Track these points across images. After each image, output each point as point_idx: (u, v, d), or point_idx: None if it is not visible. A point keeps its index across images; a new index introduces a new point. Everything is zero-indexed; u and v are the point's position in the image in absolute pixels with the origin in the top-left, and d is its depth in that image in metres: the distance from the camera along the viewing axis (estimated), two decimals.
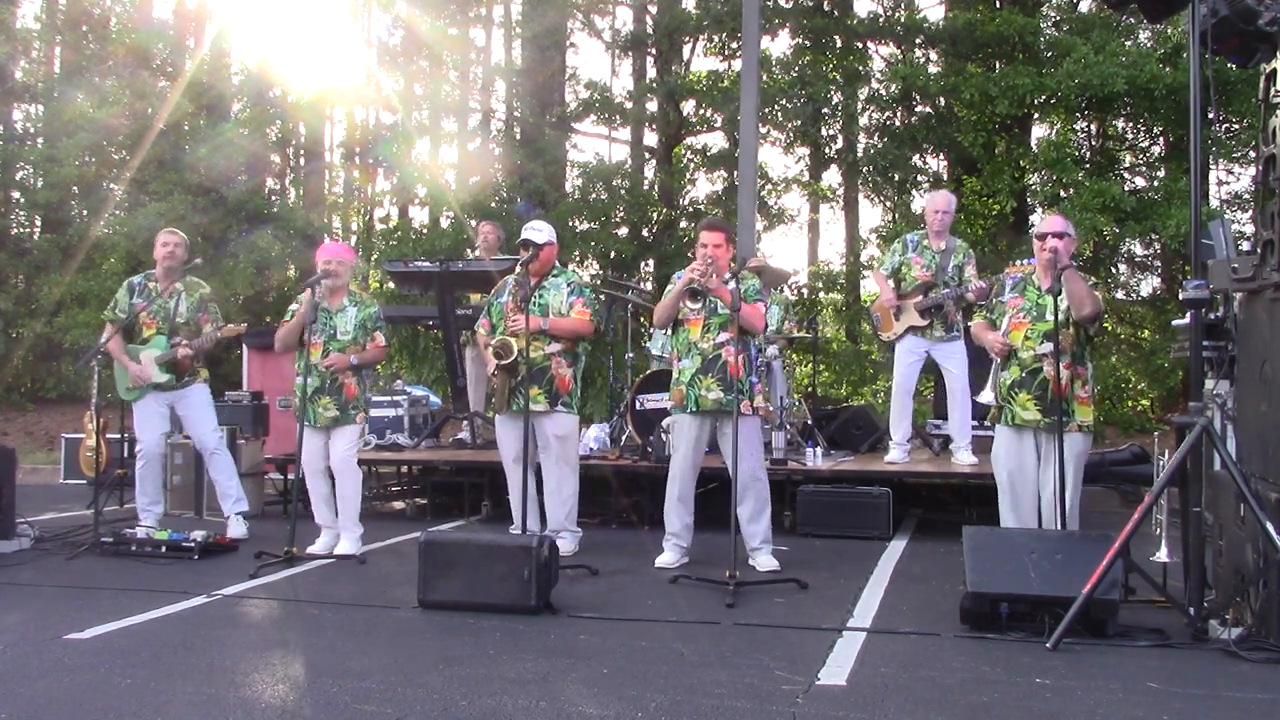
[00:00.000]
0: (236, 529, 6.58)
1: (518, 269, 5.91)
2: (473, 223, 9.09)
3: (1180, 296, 4.43)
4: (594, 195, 13.86)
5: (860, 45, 13.54)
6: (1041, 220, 5.73)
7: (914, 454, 7.42)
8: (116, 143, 14.09)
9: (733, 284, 5.32)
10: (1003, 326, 5.30)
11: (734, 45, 13.47)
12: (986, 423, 5.76)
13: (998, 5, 12.56)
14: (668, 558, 5.67)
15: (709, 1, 13.60)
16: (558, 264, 6.10)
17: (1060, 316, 5.03)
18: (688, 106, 14.25)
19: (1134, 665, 3.82)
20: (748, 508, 5.47)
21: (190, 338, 6.50)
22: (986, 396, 5.46)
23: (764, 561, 5.56)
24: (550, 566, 4.65)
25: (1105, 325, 5.42)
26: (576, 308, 5.88)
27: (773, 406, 7.43)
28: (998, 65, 12.07)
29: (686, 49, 14.74)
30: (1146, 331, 12.21)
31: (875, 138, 13.32)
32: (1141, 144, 13.38)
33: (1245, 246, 5.70)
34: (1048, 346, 5.09)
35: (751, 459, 5.48)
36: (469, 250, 11.20)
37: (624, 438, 7.72)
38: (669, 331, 5.99)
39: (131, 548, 5.95)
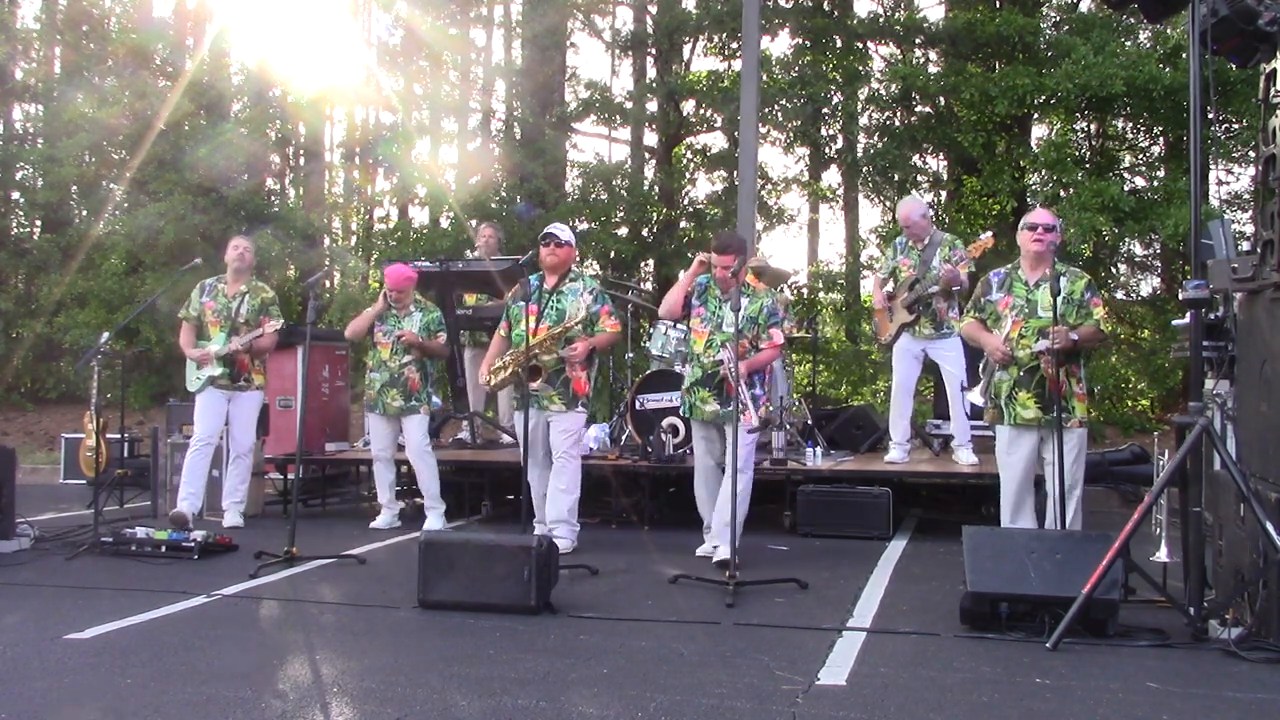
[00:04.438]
0: (233, 518, 7.06)
1: (523, 264, 6.05)
2: (473, 223, 9.10)
3: (1180, 296, 4.43)
4: (594, 195, 13.85)
5: (860, 45, 13.52)
6: (1028, 213, 5.73)
7: (914, 454, 7.42)
8: (116, 143, 14.07)
9: (744, 303, 5.58)
10: (1004, 330, 5.28)
11: (734, 45, 13.45)
12: (984, 422, 5.77)
13: (998, 5, 12.55)
14: (707, 547, 5.91)
15: (709, 1, 13.59)
16: (574, 268, 6.25)
17: (1048, 315, 5.03)
18: (688, 106, 14.24)
19: (1134, 665, 3.82)
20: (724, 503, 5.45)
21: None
22: (976, 397, 5.47)
23: (717, 549, 5.73)
24: (550, 566, 4.66)
25: (1105, 327, 5.39)
26: (604, 317, 6.09)
27: (772, 406, 7.45)
28: (998, 65, 12.06)
29: (686, 49, 14.72)
30: (1146, 331, 12.20)
31: (875, 138, 13.31)
32: (1141, 144, 13.38)
33: (1245, 246, 5.70)
34: (1043, 343, 5.10)
35: (742, 463, 5.37)
36: (469, 250, 11.20)
37: (624, 438, 7.73)
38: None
39: (131, 548, 5.95)
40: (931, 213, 7.31)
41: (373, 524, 7.05)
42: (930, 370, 7.49)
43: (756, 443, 6.06)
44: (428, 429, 7.05)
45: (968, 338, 5.67)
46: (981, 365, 5.51)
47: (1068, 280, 5.24)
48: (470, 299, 8.45)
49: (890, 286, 7.16)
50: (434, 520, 6.90)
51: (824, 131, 13.62)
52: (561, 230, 6.15)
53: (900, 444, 7.19)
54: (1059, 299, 5.04)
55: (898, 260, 7.14)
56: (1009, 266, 5.46)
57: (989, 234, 6.85)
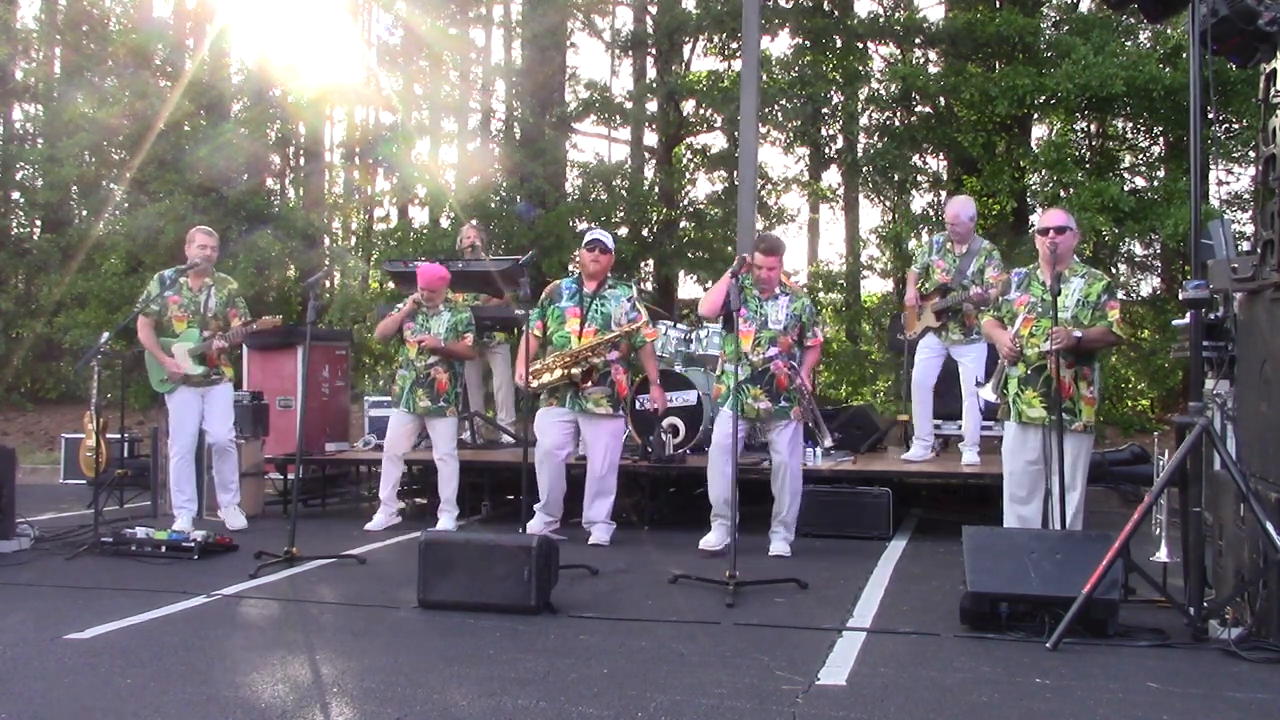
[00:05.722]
0: (236, 519, 6.88)
1: (523, 264, 6.15)
2: (473, 223, 9.10)
3: (1180, 296, 4.43)
4: (594, 195, 13.85)
5: (860, 45, 13.51)
6: (1042, 215, 5.76)
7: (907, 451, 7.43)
8: (116, 143, 14.05)
9: (785, 300, 5.92)
10: (1016, 327, 5.30)
11: (734, 45, 13.43)
12: (997, 418, 5.78)
13: (998, 5, 12.55)
14: (711, 539, 5.99)
15: (709, 1, 13.59)
16: (610, 273, 6.44)
17: (1064, 315, 5.03)
18: (688, 106, 14.23)
19: (1134, 665, 3.82)
20: (783, 498, 5.99)
21: (218, 331, 6.77)
22: (988, 393, 5.49)
23: (777, 547, 5.97)
24: (550, 566, 4.66)
25: (1118, 331, 5.35)
26: (643, 327, 6.35)
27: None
28: (998, 65, 12.06)
29: (686, 49, 14.71)
30: (1146, 331, 12.20)
31: (875, 138, 13.30)
32: (1141, 144, 13.38)
33: (1245, 246, 5.70)
34: (1049, 343, 5.09)
35: (795, 458, 6.02)
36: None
37: (624, 437, 7.72)
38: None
39: (131, 548, 5.94)
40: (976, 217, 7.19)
41: (368, 525, 6.98)
42: (945, 370, 7.44)
43: (802, 449, 6.30)
44: (455, 433, 7.02)
45: (986, 336, 5.82)
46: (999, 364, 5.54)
47: (1085, 281, 5.23)
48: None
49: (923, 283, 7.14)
50: (446, 522, 6.87)
51: (824, 131, 13.61)
52: (606, 237, 6.39)
53: (922, 439, 7.21)
54: (1063, 297, 5.04)
55: (932, 259, 7.08)
56: (1031, 266, 5.48)
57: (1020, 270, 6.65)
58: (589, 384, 6.15)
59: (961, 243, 6.95)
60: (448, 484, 6.93)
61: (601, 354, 6.19)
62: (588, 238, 6.39)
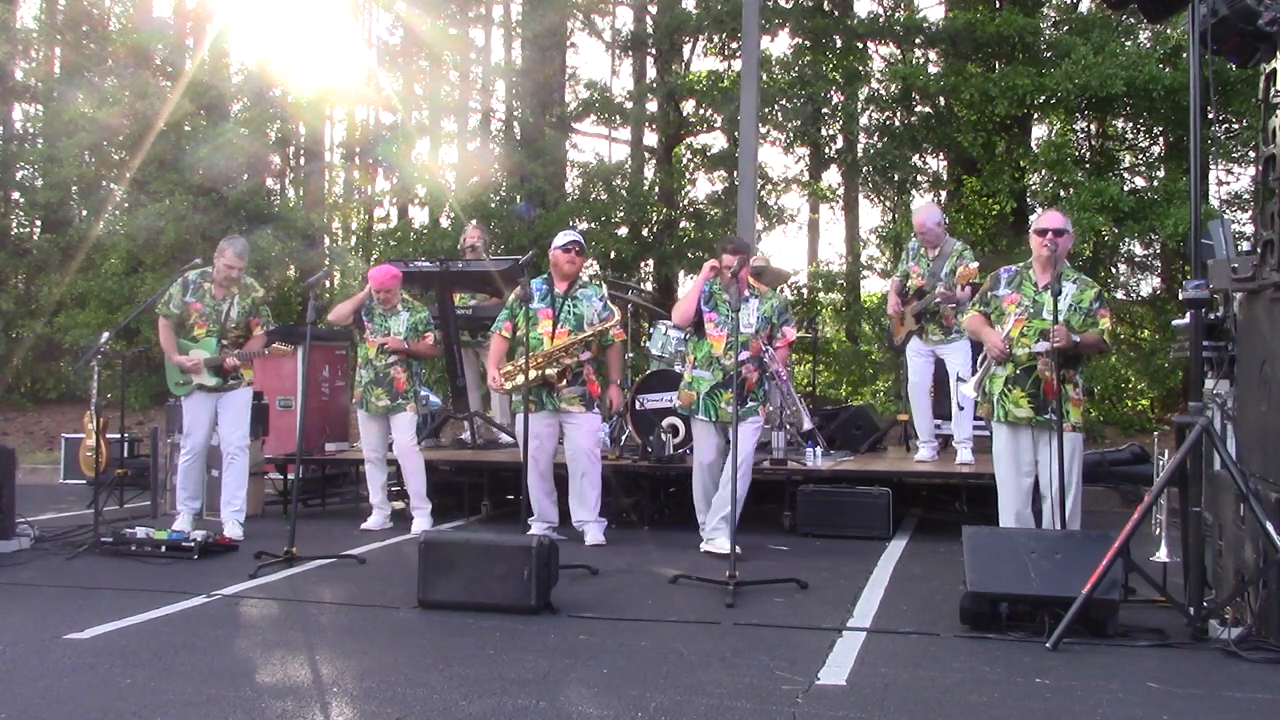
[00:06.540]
0: (233, 530, 6.59)
1: (523, 264, 6.20)
2: (472, 223, 9.10)
3: (1180, 296, 4.43)
4: (594, 195, 13.84)
5: (860, 45, 13.52)
6: (1039, 215, 5.75)
7: (914, 454, 7.44)
8: (116, 143, 14.05)
9: (754, 303, 5.86)
10: (1006, 327, 5.28)
11: (734, 45, 13.45)
12: (979, 418, 5.80)
13: (998, 5, 12.55)
14: (717, 543, 5.93)
15: (709, 1, 13.59)
16: (581, 273, 6.47)
17: (1057, 317, 5.03)
18: (688, 106, 14.24)
19: (1134, 665, 3.82)
20: (725, 492, 5.76)
21: (238, 341, 6.63)
22: (969, 390, 5.48)
23: (718, 543, 5.80)
24: (550, 566, 4.66)
25: (1108, 339, 5.36)
26: (613, 325, 6.35)
27: (772, 406, 7.46)
28: (998, 65, 12.07)
29: (686, 49, 14.72)
30: (1146, 331, 12.19)
31: (875, 138, 13.31)
32: (1141, 144, 13.38)
33: (1245, 246, 5.70)
34: (1043, 345, 5.09)
35: (748, 453, 5.84)
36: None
37: (624, 438, 7.73)
38: (687, 336, 6.26)
39: (131, 548, 5.94)
40: (946, 220, 7.28)
41: (363, 525, 7.03)
42: (939, 370, 7.48)
43: (757, 442, 6.18)
44: (417, 428, 7.02)
45: (970, 332, 5.68)
46: (979, 359, 5.52)
47: (1076, 287, 5.23)
48: (458, 298, 8.40)
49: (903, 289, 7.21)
50: (421, 521, 6.87)
51: (824, 131, 13.61)
52: (581, 238, 6.50)
53: (928, 443, 7.27)
54: (1059, 300, 5.04)
55: (909, 265, 7.20)
56: (1021, 265, 5.45)
57: (976, 264, 6.59)
58: (563, 384, 6.16)
59: (934, 247, 7.03)
60: (412, 479, 6.94)
61: (575, 354, 6.20)
62: (566, 239, 6.35)
